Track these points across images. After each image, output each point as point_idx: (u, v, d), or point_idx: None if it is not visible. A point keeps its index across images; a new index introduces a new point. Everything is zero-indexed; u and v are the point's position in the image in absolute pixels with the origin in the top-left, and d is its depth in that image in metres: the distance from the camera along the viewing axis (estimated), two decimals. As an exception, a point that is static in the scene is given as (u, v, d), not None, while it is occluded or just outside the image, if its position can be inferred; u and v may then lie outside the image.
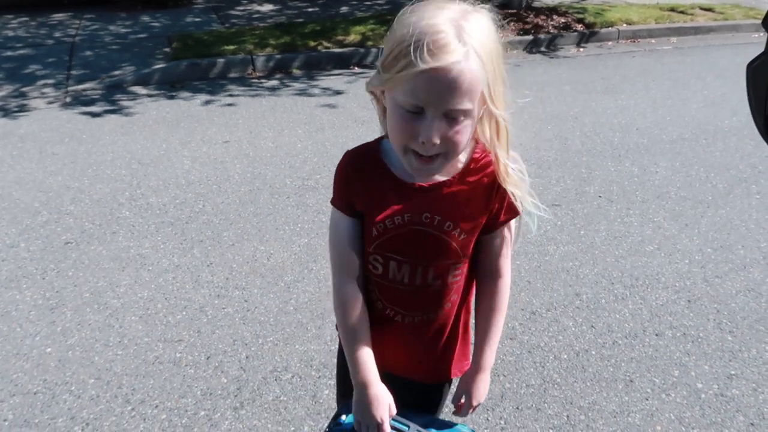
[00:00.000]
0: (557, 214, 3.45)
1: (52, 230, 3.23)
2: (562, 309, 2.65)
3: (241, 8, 8.60)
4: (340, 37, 6.72)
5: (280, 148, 4.27)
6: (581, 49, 7.26)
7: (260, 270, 2.93)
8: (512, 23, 7.50)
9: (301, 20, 7.71)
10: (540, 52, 7.13)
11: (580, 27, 7.66)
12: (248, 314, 2.63)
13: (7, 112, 4.92)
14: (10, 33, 7.07)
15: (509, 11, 7.83)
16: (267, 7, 8.68)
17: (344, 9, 8.45)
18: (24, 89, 5.42)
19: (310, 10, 8.48)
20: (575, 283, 2.82)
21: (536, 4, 8.41)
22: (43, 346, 2.43)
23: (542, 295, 2.74)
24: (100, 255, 3.02)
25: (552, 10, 8.09)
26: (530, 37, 7.27)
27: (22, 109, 5.02)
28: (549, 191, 3.72)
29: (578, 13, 8.04)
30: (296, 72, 6.20)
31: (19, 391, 2.20)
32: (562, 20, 7.76)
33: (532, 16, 7.76)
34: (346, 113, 4.97)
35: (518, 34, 7.34)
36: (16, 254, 3.02)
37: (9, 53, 6.34)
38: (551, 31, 7.48)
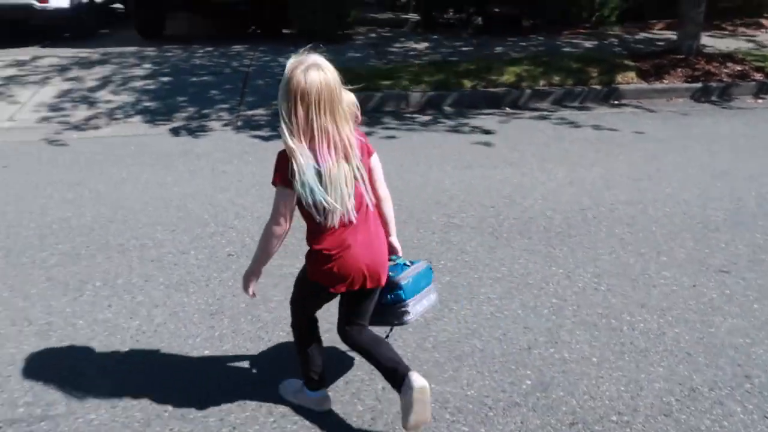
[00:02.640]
0: (725, 282, 3.13)
1: (217, 242, 3.54)
2: (729, 391, 2.37)
3: (398, 45, 8.97)
4: (493, 77, 6.75)
5: (428, 184, 4.34)
6: (760, 101, 6.63)
7: (401, 302, 2.96)
8: (679, 69, 7.07)
9: (455, 59, 7.86)
10: (710, 101, 6.62)
11: (759, 76, 7.01)
12: (387, 345, 2.66)
13: (189, 132, 5.52)
14: (197, 61, 7.96)
15: (677, 56, 7.38)
16: (422, 45, 8.97)
17: (499, 49, 8.48)
18: (204, 112, 6.07)
19: (464, 49, 8.62)
20: (745, 363, 2.52)
21: (708, 50, 7.85)
22: (202, 348, 2.64)
23: (705, 371, 2.48)
24: (256, 269, 3.24)
25: (726, 57, 7.49)
26: (699, 85, 6.79)
27: (201, 129, 5.61)
28: (716, 255, 3.39)
29: (758, 61, 7.38)
30: (448, 109, 6.31)
31: (178, 386, 2.41)
32: (738, 68, 7.15)
33: (702, 62, 7.25)
34: (496, 153, 4.94)
35: (685, 81, 6.89)
36: (186, 261, 3.34)
37: (194, 79, 7.14)
38: (724, 79, 6.92)
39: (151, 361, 2.56)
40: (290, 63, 1.82)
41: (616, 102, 6.65)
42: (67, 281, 3.12)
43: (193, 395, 2.36)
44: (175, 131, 5.53)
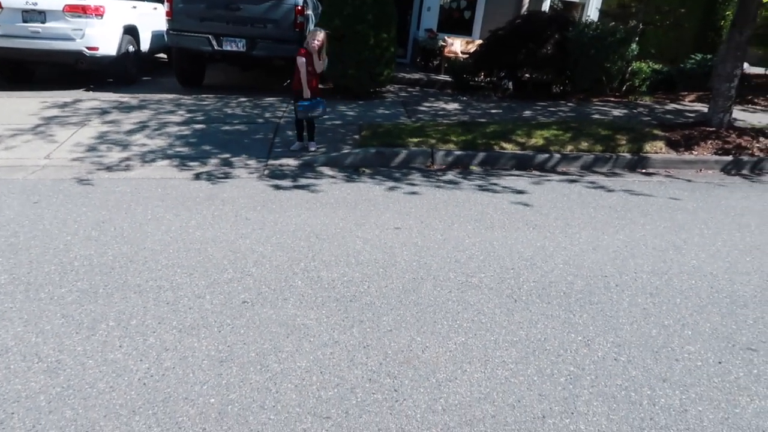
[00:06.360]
0: (753, 361, 2.99)
1: (233, 288, 3.53)
2: (756, 477, 2.23)
3: (428, 105, 9.14)
4: (521, 140, 6.79)
5: (448, 242, 4.31)
6: (791, 176, 6.52)
7: (413, 361, 2.89)
8: (710, 141, 7.04)
9: (483, 120, 7.96)
10: (741, 174, 6.55)
11: (791, 152, 6.93)
12: (396, 405, 2.58)
13: (216, 178, 5.63)
14: (230, 111, 8.21)
15: (708, 128, 7.37)
16: (452, 106, 9.12)
17: (527, 113, 8.58)
18: (232, 159, 6.19)
19: (493, 111, 8.74)
20: (774, 449, 2.38)
21: (739, 124, 7.82)
22: (209, 395, 2.60)
23: (730, 454, 2.35)
24: (270, 318, 3.22)
25: (759, 132, 7.45)
26: (729, 158, 6.73)
27: (228, 176, 5.71)
28: (743, 332, 3.26)
29: (790, 137, 7.31)
30: (474, 169, 6.34)
31: (180, 435, 2.35)
32: (770, 143, 7.09)
33: (734, 135, 7.22)
34: (519, 215, 4.91)
35: (716, 153, 6.85)
36: (201, 305, 3.33)
37: (226, 127, 7.34)
38: (756, 153, 6.85)
39: (155, 406, 2.52)
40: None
41: (644, 171, 6.61)
42: (82, 319, 3.13)
43: (194, 444, 2.30)
44: (203, 176, 5.64)
